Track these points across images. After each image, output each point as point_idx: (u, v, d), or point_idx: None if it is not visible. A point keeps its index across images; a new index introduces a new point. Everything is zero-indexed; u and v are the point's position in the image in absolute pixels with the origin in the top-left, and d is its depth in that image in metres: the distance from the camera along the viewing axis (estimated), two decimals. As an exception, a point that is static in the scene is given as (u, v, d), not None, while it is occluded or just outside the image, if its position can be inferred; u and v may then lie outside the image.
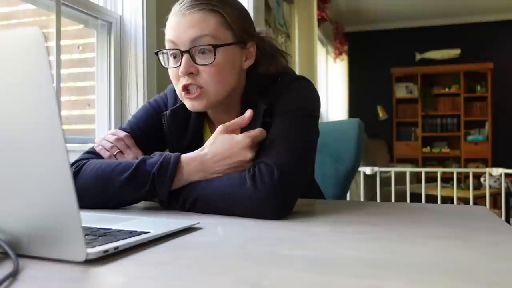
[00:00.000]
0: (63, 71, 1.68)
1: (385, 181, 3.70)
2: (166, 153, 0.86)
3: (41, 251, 0.49)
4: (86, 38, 1.91)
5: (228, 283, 0.43)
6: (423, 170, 3.41)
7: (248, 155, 0.83)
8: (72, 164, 0.91)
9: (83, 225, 0.46)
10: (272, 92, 0.95)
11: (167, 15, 0.95)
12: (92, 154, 0.97)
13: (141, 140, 1.01)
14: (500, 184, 3.36)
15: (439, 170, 3.43)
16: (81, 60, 1.96)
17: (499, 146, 6.28)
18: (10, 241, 0.49)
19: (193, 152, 0.86)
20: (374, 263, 0.50)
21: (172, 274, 0.46)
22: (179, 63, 0.90)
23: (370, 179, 3.41)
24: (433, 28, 6.54)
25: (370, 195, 3.50)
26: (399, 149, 6.63)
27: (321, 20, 4.89)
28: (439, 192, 3.34)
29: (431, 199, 3.83)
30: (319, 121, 0.99)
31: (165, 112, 1.02)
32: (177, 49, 0.90)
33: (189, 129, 1.03)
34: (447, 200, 3.89)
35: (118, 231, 0.60)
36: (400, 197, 3.77)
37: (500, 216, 3.55)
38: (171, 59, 0.94)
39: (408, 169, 3.38)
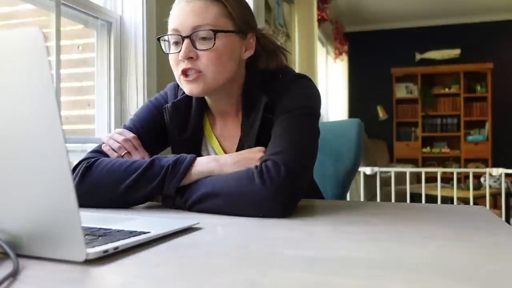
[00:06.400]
0: (63, 71, 1.68)
1: (385, 181, 3.69)
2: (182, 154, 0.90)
3: (41, 251, 0.49)
4: (86, 38, 1.91)
5: (228, 283, 0.43)
6: (423, 170, 3.41)
7: (258, 154, 0.88)
8: (82, 161, 0.93)
9: (83, 225, 0.46)
10: (274, 88, 0.97)
11: (167, 15, 0.97)
12: (100, 153, 0.98)
13: (145, 138, 1.03)
14: (500, 184, 3.36)
15: (439, 170, 3.43)
16: (81, 60, 1.95)
17: (499, 146, 6.28)
18: (10, 241, 0.49)
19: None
20: (374, 263, 0.50)
21: (172, 274, 0.46)
22: (179, 48, 0.93)
23: (370, 179, 3.41)
24: (433, 28, 6.54)
25: (370, 195, 3.50)
26: (399, 149, 6.63)
27: (321, 20, 4.89)
28: (439, 192, 3.34)
29: (431, 199, 3.83)
30: (319, 120, 0.99)
31: (166, 105, 1.05)
32: (178, 35, 0.93)
33: (190, 121, 1.05)
34: (447, 200, 3.88)
35: (118, 231, 0.60)
36: (400, 197, 3.76)
37: (500, 216, 3.55)
38: (172, 46, 0.97)
39: (408, 169, 3.38)
